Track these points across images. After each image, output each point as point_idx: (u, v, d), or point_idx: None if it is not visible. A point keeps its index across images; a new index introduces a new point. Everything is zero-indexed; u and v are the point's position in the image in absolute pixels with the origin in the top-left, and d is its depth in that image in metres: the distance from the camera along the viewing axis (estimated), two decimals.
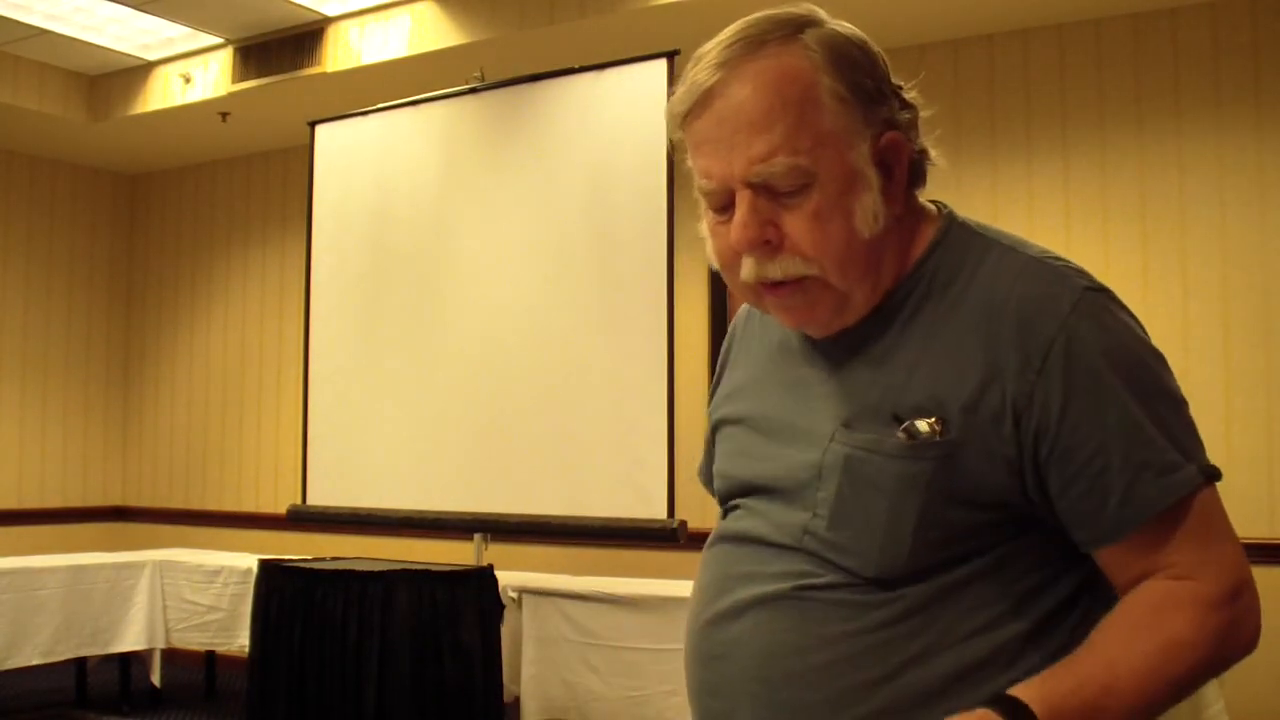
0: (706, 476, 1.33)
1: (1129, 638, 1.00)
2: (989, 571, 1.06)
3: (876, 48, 1.12)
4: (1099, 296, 1.06)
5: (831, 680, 1.05)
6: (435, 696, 3.81)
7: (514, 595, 4.27)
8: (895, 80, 1.13)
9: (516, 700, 4.22)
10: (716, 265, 1.13)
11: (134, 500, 7.19)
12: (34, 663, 4.88)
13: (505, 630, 4.13)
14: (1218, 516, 1.06)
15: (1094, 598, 1.09)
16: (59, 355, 6.96)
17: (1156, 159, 4.48)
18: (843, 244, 1.06)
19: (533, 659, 4.18)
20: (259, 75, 5.59)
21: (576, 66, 4.46)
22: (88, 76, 6.20)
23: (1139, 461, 1.02)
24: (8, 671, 4.85)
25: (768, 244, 1.07)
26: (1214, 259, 4.36)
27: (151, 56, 5.93)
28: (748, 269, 1.09)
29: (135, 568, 5.26)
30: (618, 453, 4.21)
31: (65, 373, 6.98)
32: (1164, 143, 4.47)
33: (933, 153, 1.14)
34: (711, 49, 1.08)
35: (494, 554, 4.52)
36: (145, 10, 5.31)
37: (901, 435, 1.05)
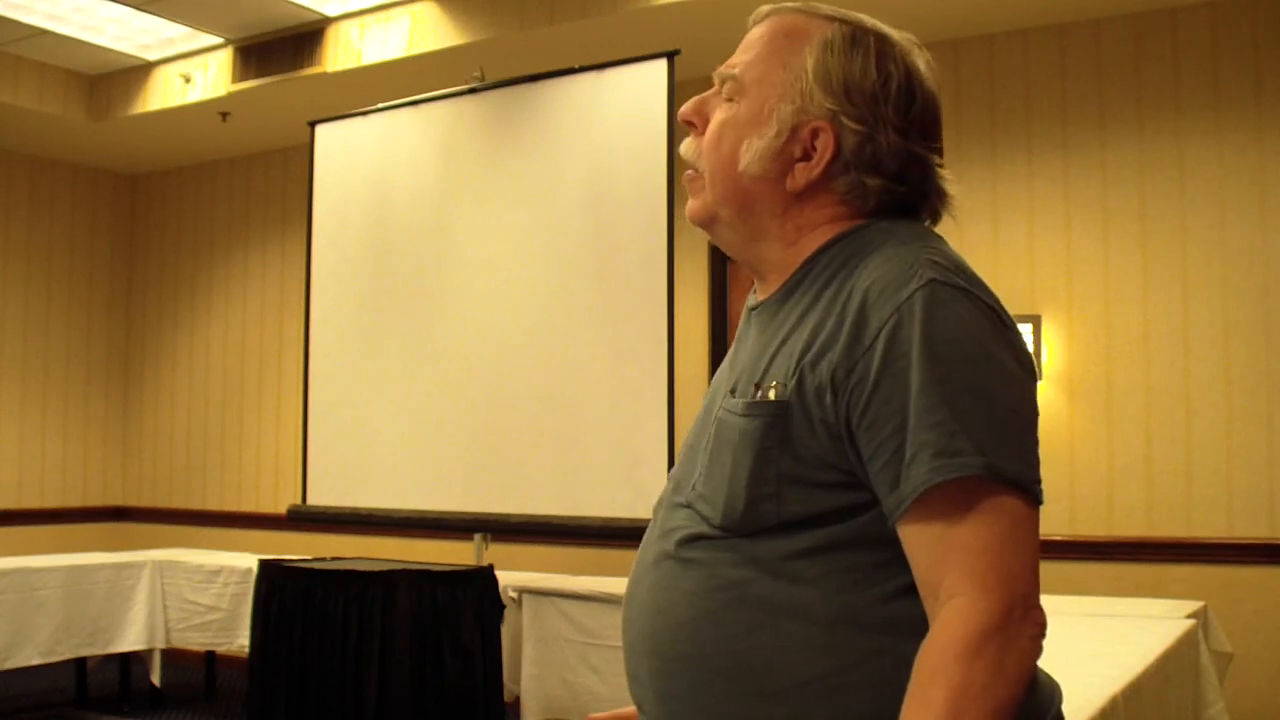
0: None
1: (922, 710, 1.00)
2: (840, 543, 1.10)
3: (893, 70, 1.18)
4: (943, 290, 1.08)
5: (697, 634, 1.13)
6: (435, 696, 3.81)
7: (514, 595, 4.27)
8: (896, 114, 1.20)
9: (516, 700, 4.23)
10: None
11: (134, 500, 7.19)
12: (34, 663, 4.88)
13: (505, 630, 4.13)
14: (1013, 527, 1.03)
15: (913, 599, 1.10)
16: (59, 355, 6.96)
17: (1156, 159, 4.48)
18: (721, 159, 1.21)
19: (533, 659, 4.18)
20: (259, 75, 5.59)
21: (576, 66, 4.46)
22: (88, 76, 6.20)
23: (922, 440, 1.04)
24: (8, 671, 4.85)
25: (692, 125, 1.25)
26: (1214, 259, 4.36)
27: (151, 56, 5.93)
28: (682, 145, 1.27)
29: (135, 568, 5.26)
30: (617, 453, 4.21)
31: (65, 373, 6.98)
32: (1164, 143, 4.47)
33: (935, 191, 1.22)
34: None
35: (494, 554, 4.52)
36: (145, 10, 5.31)
37: (754, 398, 1.15)
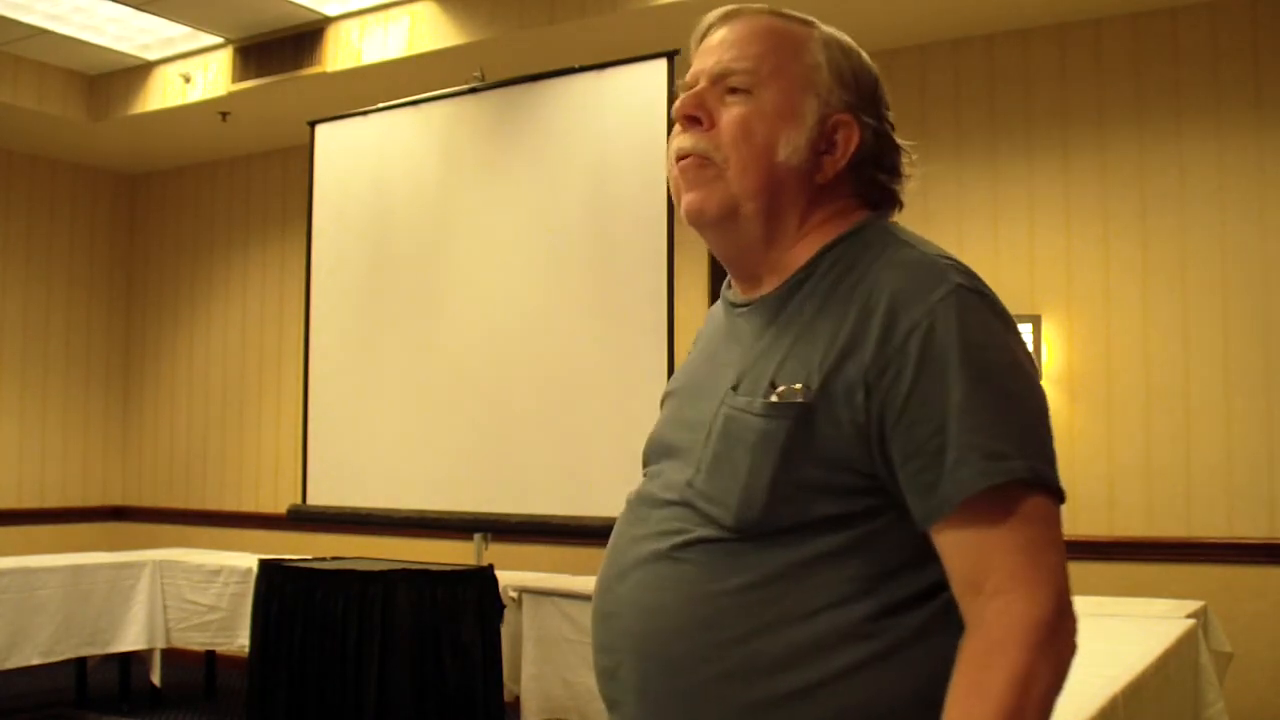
0: None
1: (978, 700, 1.02)
2: (846, 549, 1.10)
3: (875, 70, 1.24)
4: (971, 296, 1.11)
5: (692, 636, 1.11)
6: (435, 696, 3.81)
7: (514, 595, 4.27)
8: (886, 111, 1.25)
9: (516, 700, 4.23)
10: (668, 170, 1.25)
11: (134, 500, 7.19)
12: (34, 663, 4.88)
13: (505, 630, 4.13)
14: (1048, 527, 1.07)
15: (939, 596, 1.11)
16: (59, 355, 6.96)
17: (1156, 159, 4.48)
18: (755, 151, 1.17)
19: (533, 659, 4.18)
20: (259, 75, 5.59)
21: (576, 66, 4.46)
22: (88, 76, 6.20)
23: (967, 443, 1.05)
24: (8, 671, 4.85)
25: (696, 121, 1.20)
26: (1214, 259, 4.36)
27: (151, 56, 5.93)
28: (673, 143, 1.22)
29: (135, 568, 5.26)
30: (617, 452, 4.21)
31: (65, 373, 6.98)
32: (1164, 143, 4.47)
33: (906, 186, 1.25)
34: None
35: (494, 554, 4.52)
36: (145, 10, 5.31)
37: (773, 398, 1.13)
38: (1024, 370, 1.11)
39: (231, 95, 5.73)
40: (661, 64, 4.23)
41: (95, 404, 7.12)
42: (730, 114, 1.19)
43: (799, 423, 1.10)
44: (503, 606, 4.14)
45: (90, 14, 5.40)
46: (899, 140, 1.25)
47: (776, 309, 1.20)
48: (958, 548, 1.07)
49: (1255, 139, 4.32)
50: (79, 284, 7.11)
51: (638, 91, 4.31)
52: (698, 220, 1.22)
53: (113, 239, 7.29)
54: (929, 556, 1.09)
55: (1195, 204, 4.40)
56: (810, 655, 1.08)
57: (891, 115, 1.24)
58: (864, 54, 1.24)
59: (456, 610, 3.90)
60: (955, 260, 1.15)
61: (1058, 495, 1.08)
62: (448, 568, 4.13)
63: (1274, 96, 4.31)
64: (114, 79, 6.15)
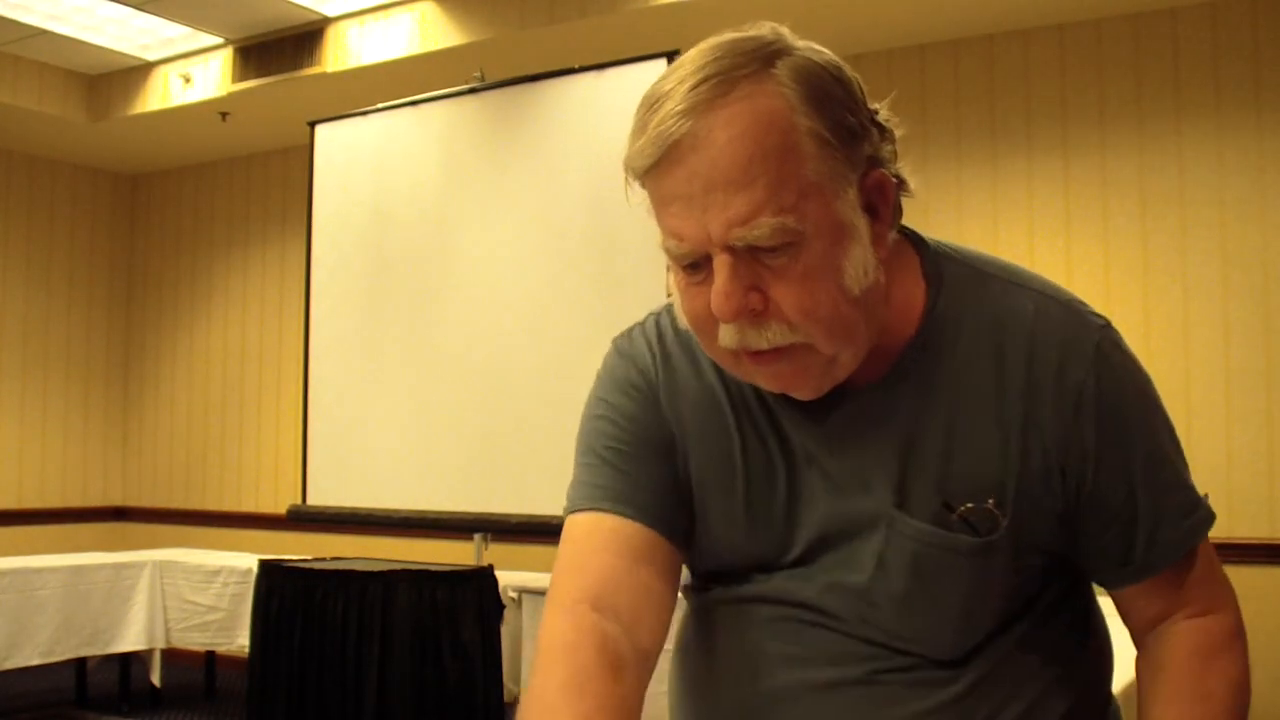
0: (624, 498, 1.09)
1: (1203, 703, 1.05)
2: (1038, 625, 1.08)
3: (851, 72, 0.99)
4: (1112, 333, 1.07)
5: None
6: (435, 696, 3.81)
7: (514, 595, 4.27)
8: (871, 105, 1.01)
9: (517, 700, 4.22)
10: (687, 325, 1.02)
11: (134, 500, 7.19)
12: (34, 663, 4.88)
13: (505, 630, 4.13)
14: (1210, 545, 1.10)
15: (1078, 589, 1.13)
16: (59, 355, 6.96)
17: (1156, 159, 4.48)
18: (832, 306, 0.95)
19: (532, 659, 4.17)
20: (259, 75, 5.59)
21: (576, 66, 4.46)
22: (87, 76, 6.20)
23: (1165, 505, 1.05)
24: (8, 671, 4.85)
25: (752, 311, 0.95)
26: (1214, 259, 4.36)
27: (151, 56, 5.93)
28: (728, 337, 0.97)
29: (135, 568, 5.26)
30: None
31: (65, 373, 6.98)
32: (1164, 143, 4.47)
33: (910, 182, 1.04)
34: (674, 87, 0.94)
35: (494, 554, 4.52)
36: (145, 10, 5.31)
37: (967, 532, 1.00)
38: (1160, 398, 1.10)
39: (231, 95, 5.73)
40: (661, 64, 4.23)
41: (95, 404, 7.12)
42: (782, 286, 0.94)
43: (1010, 543, 1.01)
44: (503, 606, 4.14)
45: (90, 14, 5.40)
46: (883, 122, 1.02)
47: (887, 400, 1.03)
48: (1155, 598, 1.09)
49: (1255, 139, 4.32)
50: (79, 284, 7.10)
51: (638, 91, 4.23)
52: (806, 396, 1.02)
53: (113, 239, 7.29)
54: (1055, 574, 1.09)
55: (1195, 204, 4.40)
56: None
57: (865, 93, 1.00)
58: (820, 52, 0.98)
59: (456, 610, 3.90)
60: (1066, 291, 1.07)
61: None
62: (448, 568, 4.13)
63: (1274, 96, 4.31)
64: (114, 79, 6.15)
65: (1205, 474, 4.33)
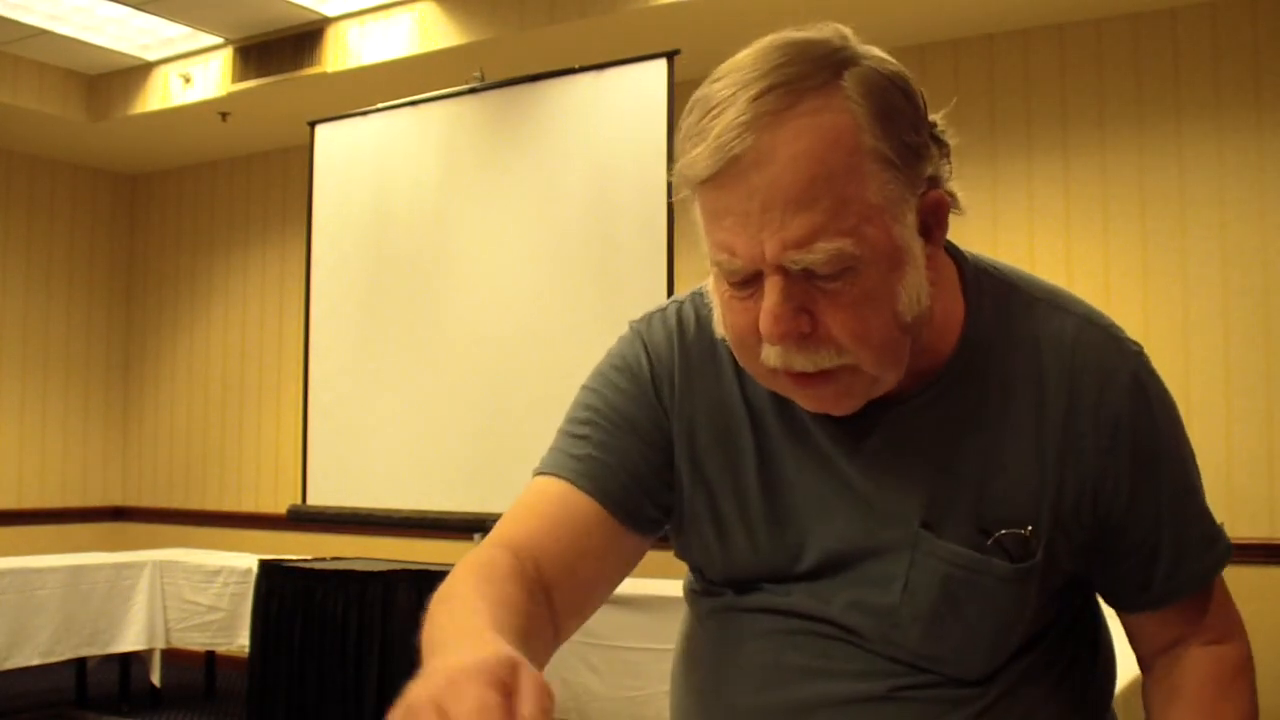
0: (598, 479, 1.09)
1: None
2: (1058, 643, 1.10)
3: (917, 85, 0.97)
4: (1145, 361, 1.04)
5: None
6: None
7: None
8: (931, 118, 0.99)
9: None
10: (724, 335, 0.99)
11: (134, 500, 7.19)
12: (34, 663, 4.88)
13: None
14: (1223, 580, 1.12)
15: (1089, 607, 1.14)
16: (59, 355, 6.96)
17: (1156, 159, 4.48)
18: (884, 332, 0.92)
19: None
20: (259, 75, 5.59)
21: (576, 66, 4.46)
22: (87, 76, 6.20)
23: (1189, 536, 1.05)
24: (8, 671, 4.85)
25: (800, 334, 0.91)
26: (1214, 259, 4.36)
27: (151, 56, 5.93)
28: (773, 356, 0.93)
29: (135, 568, 5.26)
30: None
31: (65, 373, 6.98)
32: (1164, 143, 4.47)
33: (960, 196, 1.00)
34: (736, 93, 0.88)
35: None
36: (145, 10, 5.31)
37: (1002, 557, 0.99)
38: (1184, 424, 1.08)
39: (231, 95, 5.73)
40: (661, 64, 4.23)
41: (95, 404, 7.12)
42: (835, 311, 0.90)
43: (1044, 569, 1.01)
44: None
45: (90, 14, 5.40)
46: (940, 135, 0.99)
47: (924, 421, 1.01)
48: (1171, 625, 1.10)
49: (1255, 139, 4.32)
50: (79, 284, 7.10)
51: (638, 92, 4.31)
52: (841, 413, 1.00)
53: (113, 239, 7.29)
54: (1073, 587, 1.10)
55: (1195, 204, 4.40)
56: None
57: (928, 105, 0.98)
58: (887, 62, 0.96)
59: None
60: (1103, 314, 1.05)
61: None
62: (448, 568, 4.13)
63: (1274, 96, 4.31)
64: (114, 79, 6.15)
65: (1205, 474, 4.31)
